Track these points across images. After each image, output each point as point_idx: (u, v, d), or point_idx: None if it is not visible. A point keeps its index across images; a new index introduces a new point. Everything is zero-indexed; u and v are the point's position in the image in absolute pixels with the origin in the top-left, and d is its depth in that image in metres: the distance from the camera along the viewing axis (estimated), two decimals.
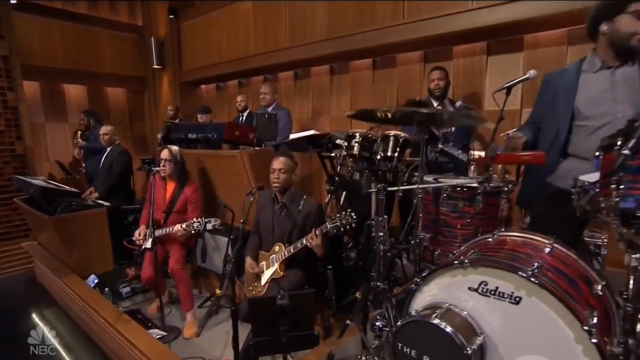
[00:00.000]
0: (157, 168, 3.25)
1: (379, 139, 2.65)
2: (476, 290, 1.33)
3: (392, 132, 2.59)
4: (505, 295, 1.27)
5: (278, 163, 2.46)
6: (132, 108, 7.47)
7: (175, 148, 3.34)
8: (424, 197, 2.04)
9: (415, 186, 1.87)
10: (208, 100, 7.02)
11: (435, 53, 4.09)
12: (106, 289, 3.35)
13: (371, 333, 1.77)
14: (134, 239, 3.29)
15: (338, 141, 3.05)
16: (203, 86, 7.27)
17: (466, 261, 1.34)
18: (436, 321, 1.30)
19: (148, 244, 3.09)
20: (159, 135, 5.16)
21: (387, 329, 1.69)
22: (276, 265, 2.43)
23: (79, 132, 5.69)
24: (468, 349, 1.25)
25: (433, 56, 4.11)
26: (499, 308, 1.29)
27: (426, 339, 1.31)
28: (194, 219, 2.90)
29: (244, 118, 4.92)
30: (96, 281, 3.41)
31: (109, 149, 4.60)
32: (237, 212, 3.31)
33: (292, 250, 2.35)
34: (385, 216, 1.97)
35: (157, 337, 2.71)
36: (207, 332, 3.03)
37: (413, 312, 1.42)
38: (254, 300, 1.86)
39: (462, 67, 3.84)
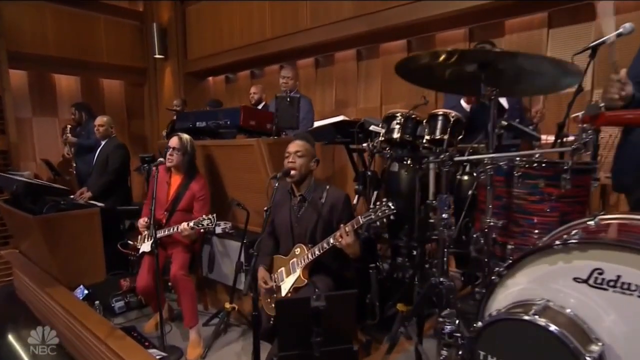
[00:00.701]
0: (161, 159, 3.17)
1: (424, 120, 2.51)
2: (586, 281, 1.13)
3: (441, 111, 2.44)
4: (633, 288, 1.06)
5: (294, 145, 2.37)
6: (131, 103, 7.45)
7: (186, 136, 3.26)
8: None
9: (487, 155, 1.69)
10: (216, 93, 6.99)
11: (484, 29, 3.92)
12: (96, 303, 3.27)
13: (429, 344, 1.58)
14: (138, 227, 3.19)
15: (372, 127, 2.91)
16: (210, 78, 7.27)
17: (572, 241, 1.14)
18: (541, 321, 1.09)
19: (146, 247, 3.05)
20: (164, 133, 5.09)
21: (459, 334, 1.50)
22: (298, 271, 2.29)
23: (69, 127, 5.69)
24: (587, 356, 1.03)
25: (481, 33, 3.95)
26: (622, 305, 1.08)
27: (520, 345, 1.12)
28: (204, 216, 2.81)
29: None
30: (85, 293, 3.36)
31: (103, 143, 4.54)
32: (252, 212, 3.22)
33: (317, 252, 2.22)
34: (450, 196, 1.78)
35: (158, 357, 2.57)
36: (215, 353, 2.93)
37: (493, 312, 1.22)
38: (283, 302, 1.69)
39: (516, 43, 3.67)
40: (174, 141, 3.22)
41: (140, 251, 3.12)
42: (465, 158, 1.82)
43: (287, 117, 3.24)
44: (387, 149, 2.76)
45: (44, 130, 6.51)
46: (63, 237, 3.34)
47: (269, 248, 2.58)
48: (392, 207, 2.02)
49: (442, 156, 1.80)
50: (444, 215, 1.76)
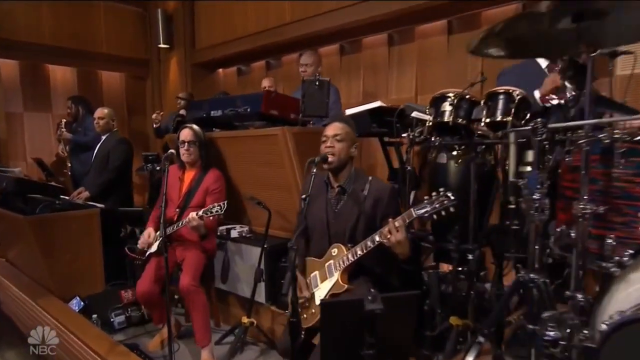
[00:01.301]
0: (172, 150, 3.03)
1: (481, 101, 2.37)
2: None
3: (502, 89, 2.30)
4: None
5: (333, 128, 2.30)
6: (132, 98, 7.42)
7: (197, 127, 3.26)
8: (577, 158, 1.70)
9: (586, 122, 1.54)
10: (227, 87, 6.92)
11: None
12: (93, 317, 3.30)
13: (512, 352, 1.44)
14: (138, 245, 3.16)
15: (415, 114, 2.78)
16: (220, 70, 7.21)
17: None
18: None
19: (153, 248, 3.05)
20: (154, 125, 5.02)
21: (564, 342, 1.34)
22: (336, 275, 2.18)
23: (64, 121, 5.66)
24: None
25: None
26: None
27: None
28: (215, 205, 2.79)
29: None
30: (81, 305, 3.34)
31: (104, 137, 4.50)
32: (273, 212, 3.15)
33: (359, 253, 2.11)
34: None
35: None
36: None
37: (615, 315, 1.06)
38: (330, 304, 1.54)
39: None
40: (186, 134, 3.21)
41: (148, 253, 3.10)
42: (563, 125, 1.66)
43: (316, 103, 3.14)
44: (433, 137, 2.61)
45: (36, 127, 6.50)
46: (58, 240, 3.34)
47: (300, 248, 2.45)
48: (452, 198, 1.90)
49: (533, 123, 1.65)
50: (535, 196, 1.61)
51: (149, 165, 5.37)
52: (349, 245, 2.22)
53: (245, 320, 3.11)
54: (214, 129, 3.74)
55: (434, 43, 4.59)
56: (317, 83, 3.14)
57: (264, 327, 3.18)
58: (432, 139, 2.65)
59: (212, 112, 3.54)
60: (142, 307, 3.59)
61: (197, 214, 2.84)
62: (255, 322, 3.11)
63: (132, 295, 3.64)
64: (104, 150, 4.40)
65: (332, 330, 1.50)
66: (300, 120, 3.24)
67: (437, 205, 1.93)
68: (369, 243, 2.08)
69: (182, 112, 5.66)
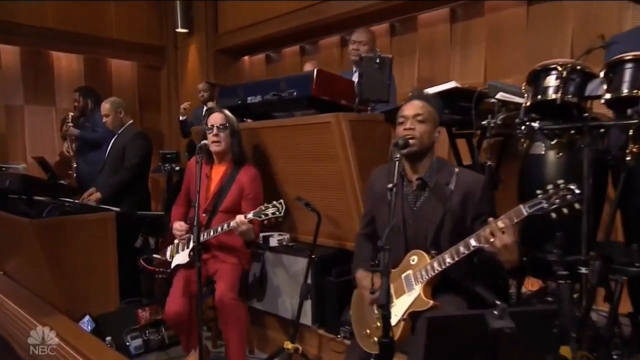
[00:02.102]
0: (205, 141, 3.06)
1: (601, 71, 2.17)
2: None
3: (630, 55, 2.10)
4: None
5: (412, 107, 2.20)
6: (145, 90, 7.41)
7: (229, 112, 3.18)
8: None
9: None
10: (254, 77, 6.88)
11: None
12: (107, 339, 3.27)
13: None
14: (176, 233, 3.11)
15: (501, 95, 2.64)
16: (246, 57, 7.18)
17: None
18: None
19: (182, 258, 3.02)
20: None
21: None
22: (418, 289, 2.08)
23: (71, 115, 5.66)
24: None
25: None
26: None
27: None
28: (269, 204, 2.74)
29: None
30: (92, 326, 3.33)
31: (119, 132, 4.45)
32: (323, 216, 3.05)
33: (448, 261, 2.02)
34: None
35: None
36: None
37: None
38: (440, 320, 1.37)
39: None
40: (216, 117, 3.13)
41: (174, 264, 3.08)
42: None
43: (375, 85, 3.03)
44: (526, 122, 2.42)
45: (38, 121, 6.51)
46: (67, 249, 3.33)
47: (366, 254, 2.42)
48: (578, 192, 1.77)
49: None
50: None
51: (166, 165, 5.19)
52: (433, 252, 2.12)
53: (288, 345, 2.99)
54: (246, 119, 3.72)
55: (508, 16, 4.45)
56: (377, 60, 3.03)
57: (310, 354, 3.10)
58: (524, 125, 2.44)
59: (248, 99, 3.43)
60: (162, 330, 3.55)
61: (245, 217, 2.78)
62: (300, 348, 3.01)
63: (150, 315, 3.60)
64: (119, 146, 4.34)
65: (439, 357, 1.31)
66: (356, 106, 3.12)
67: (556, 201, 1.78)
68: (461, 249, 1.97)
69: (210, 104, 5.65)
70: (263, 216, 2.72)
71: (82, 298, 3.37)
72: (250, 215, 2.75)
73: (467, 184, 2.15)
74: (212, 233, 2.92)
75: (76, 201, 3.89)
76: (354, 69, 4.07)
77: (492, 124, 2.66)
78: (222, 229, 2.88)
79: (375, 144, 3.05)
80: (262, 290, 3.45)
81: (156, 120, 7.46)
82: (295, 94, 3.12)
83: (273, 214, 2.71)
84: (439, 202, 2.15)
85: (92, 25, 6.63)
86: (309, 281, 3.03)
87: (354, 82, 3.27)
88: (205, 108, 5.81)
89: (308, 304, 3.09)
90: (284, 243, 3.41)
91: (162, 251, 3.27)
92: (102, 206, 3.82)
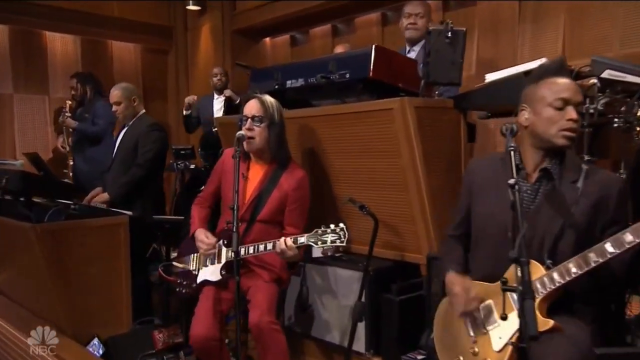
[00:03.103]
0: (241, 132, 2.98)
1: None
2: None
3: None
4: None
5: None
6: (150, 76, 7.43)
7: (270, 99, 3.08)
8: None
9: None
10: (276, 61, 6.82)
11: None
12: None
13: None
14: (201, 251, 3.08)
15: (608, 73, 2.51)
16: (268, 39, 7.18)
17: None
18: None
19: (208, 274, 3.01)
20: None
21: None
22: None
23: (69, 104, 5.68)
24: None
25: None
26: None
27: None
28: (327, 227, 2.67)
29: None
30: (102, 350, 3.30)
31: (130, 123, 4.41)
32: (381, 222, 2.98)
33: (573, 271, 1.92)
34: None
35: None
36: None
37: None
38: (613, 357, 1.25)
39: None
40: (252, 106, 3.04)
41: (200, 279, 3.04)
42: None
43: (446, 65, 2.96)
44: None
45: (28, 112, 6.53)
46: (73, 259, 3.29)
47: (459, 256, 2.38)
48: None
49: None
50: None
51: (179, 162, 5.34)
52: (548, 262, 2.03)
53: None
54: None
55: None
56: (449, 35, 2.94)
57: None
58: None
59: (287, 83, 3.38)
60: (182, 356, 3.49)
61: (293, 239, 2.73)
62: None
63: (167, 338, 3.54)
64: (131, 139, 4.29)
65: None
66: (421, 90, 3.04)
67: None
68: (592, 257, 1.87)
69: (228, 92, 5.71)
70: (320, 243, 2.66)
71: (90, 317, 3.33)
72: (302, 240, 2.70)
73: (600, 185, 2.06)
74: (250, 251, 2.86)
75: (82, 203, 3.88)
76: (407, 48, 4.02)
77: (591, 111, 2.53)
78: (263, 249, 2.83)
79: (444, 135, 3.02)
80: (303, 310, 3.42)
81: (163, 112, 7.45)
82: (348, 76, 3.06)
83: (333, 242, 2.64)
84: (562, 204, 2.07)
85: (91, 2, 6.65)
86: (363, 299, 2.98)
87: (416, 61, 3.21)
88: (216, 97, 5.90)
89: (361, 327, 3.04)
90: (329, 253, 3.20)
91: (181, 258, 3.24)
92: (113, 209, 3.79)
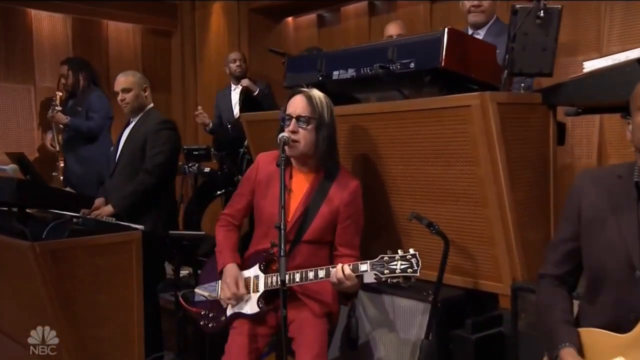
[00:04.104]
0: (284, 134, 2.92)
1: None
2: None
3: None
4: None
5: None
6: (151, 63, 7.46)
7: (319, 94, 3.03)
8: None
9: None
10: (300, 44, 6.77)
11: None
12: None
13: None
14: (223, 298, 3.01)
15: None
16: (290, 19, 7.15)
17: None
18: None
19: (242, 306, 2.97)
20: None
21: None
22: None
23: (59, 96, 5.66)
24: None
25: None
26: None
27: None
28: (395, 254, 2.61)
29: None
30: None
31: (136, 119, 4.38)
32: (452, 243, 2.93)
33: None
34: None
35: None
36: None
37: None
38: None
39: None
40: (298, 104, 2.98)
41: (231, 312, 3.00)
42: None
43: (535, 51, 2.88)
44: None
45: (11, 105, 6.50)
46: (78, 283, 3.25)
47: (565, 312, 2.21)
48: None
49: None
50: None
51: (192, 165, 5.30)
52: None
53: None
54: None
55: None
56: (540, 14, 2.85)
57: None
58: None
59: (334, 74, 3.33)
60: None
61: (352, 269, 2.67)
62: None
63: None
64: (138, 139, 4.29)
65: None
66: (503, 83, 2.96)
67: None
68: None
69: (245, 82, 5.75)
70: (386, 273, 2.60)
71: (97, 353, 3.30)
72: (365, 269, 2.63)
73: None
74: (296, 279, 2.82)
75: (87, 216, 3.89)
76: (470, 32, 4.01)
77: None
78: (313, 277, 2.79)
79: (531, 138, 2.94)
80: (351, 346, 3.32)
81: (166, 104, 7.42)
82: (413, 65, 2.99)
83: (404, 271, 2.58)
84: None
85: None
86: (430, 337, 2.89)
87: (495, 47, 3.15)
88: (234, 87, 5.96)
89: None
90: (383, 278, 3.21)
91: (205, 285, 3.21)
92: (123, 223, 3.75)
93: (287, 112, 2.96)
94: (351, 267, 2.67)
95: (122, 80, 4.35)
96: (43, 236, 3.29)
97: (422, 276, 3.04)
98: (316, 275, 2.76)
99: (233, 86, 6.01)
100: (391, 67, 3.04)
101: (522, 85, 3.18)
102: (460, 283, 3.09)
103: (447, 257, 2.88)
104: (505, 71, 2.96)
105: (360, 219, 3.05)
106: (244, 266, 3.03)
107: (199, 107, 5.98)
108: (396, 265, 2.58)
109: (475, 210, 2.96)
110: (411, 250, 2.59)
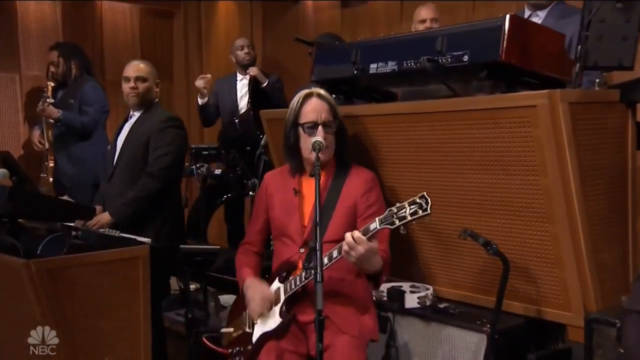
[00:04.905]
0: (319, 138, 3.02)
1: None
2: None
3: None
4: None
5: None
6: (150, 49, 7.51)
7: (328, 94, 3.22)
8: None
9: None
10: (320, 29, 6.65)
11: None
12: None
13: None
14: (253, 315, 3.09)
15: None
16: (310, 1, 7.13)
17: None
18: None
19: (267, 324, 3.01)
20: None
21: None
22: None
23: (51, 86, 5.65)
24: None
25: None
26: None
27: None
28: (401, 203, 2.65)
29: None
30: None
31: (139, 115, 4.36)
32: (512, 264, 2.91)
33: None
34: None
35: None
36: None
37: None
38: None
39: None
40: (320, 109, 3.11)
41: (257, 335, 3.04)
42: None
43: (613, 41, 2.82)
44: None
45: None
46: (78, 306, 3.23)
47: None
48: None
49: None
50: None
51: (200, 166, 5.30)
52: None
53: None
54: (355, 101, 3.79)
55: None
56: None
57: None
58: None
59: (372, 67, 3.33)
60: None
61: (361, 231, 2.71)
62: None
63: None
64: (140, 138, 4.30)
65: None
66: (575, 77, 2.91)
67: None
68: None
69: (254, 70, 5.81)
70: (397, 221, 2.61)
71: None
72: (375, 226, 2.65)
73: None
74: (326, 262, 2.82)
75: (88, 228, 3.85)
76: (527, 13, 4.03)
77: None
78: (327, 261, 2.82)
79: (606, 142, 2.91)
80: None
81: (167, 95, 7.44)
82: (466, 58, 2.95)
83: (414, 214, 2.58)
84: None
85: None
86: None
87: (564, 36, 3.11)
88: (240, 77, 6.01)
89: None
90: (428, 303, 3.28)
91: (235, 321, 3.28)
92: (128, 235, 3.71)
93: (310, 119, 3.06)
94: (361, 230, 2.69)
95: (138, 67, 4.35)
96: (38, 252, 3.30)
97: (476, 301, 3.15)
98: (330, 258, 2.80)
99: (239, 76, 6.01)
100: (441, 60, 3.01)
101: (597, 80, 3.12)
102: (521, 310, 3.04)
103: (506, 281, 2.86)
104: (577, 64, 2.90)
105: (382, 209, 3.01)
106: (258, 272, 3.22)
107: (209, 75, 5.95)
108: (405, 211, 2.59)
109: (539, 227, 2.91)
110: (422, 194, 2.60)
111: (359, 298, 3.02)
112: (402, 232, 2.70)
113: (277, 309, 2.99)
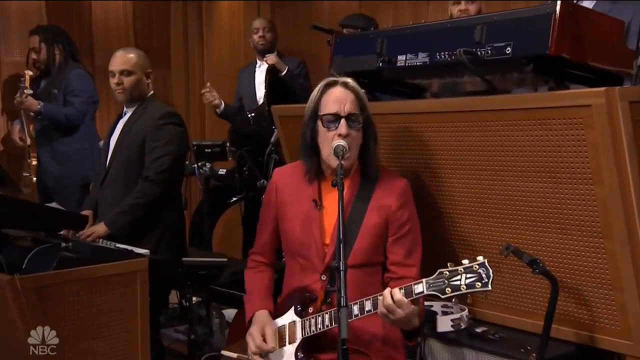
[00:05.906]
0: (341, 142, 2.90)
1: None
2: None
3: None
4: None
5: None
6: (145, 32, 7.60)
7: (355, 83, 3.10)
8: None
9: None
10: (335, 16, 6.66)
11: None
12: None
13: None
14: (233, 356, 3.10)
15: None
16: None
17: None
18: None
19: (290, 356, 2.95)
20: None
21: None
22: None
23: (28, 75, 5.68)
24: None
25: None
26: None
27: None
28: (456, 266, 2.53)
29: None
30: None
31: (132, 110, 4.38)
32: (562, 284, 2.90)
33: None
34: None
35: None
36: None
37: None
38: None
39: None
40: (344, 99, 2.97)
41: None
42: None
43: None
44: None
45: None
46: (69, 329, 3.29)
47: None
48: None
49: None
50: None
51: (203, 165, 5.31)
52: None
53: None
54: (379, 96, 3.80)
55: None
56: None
57: None
58: None
59: (399, 59, 3.29)
60: None
61: (401, 290, 2.57)
62: None
63: None
64: (135, 137, 4.34)
65: None
66: (636, 73, 2.96)
67: None
68: None
69: (272, 58, 5.76)
70: (449, 291, 2.49)
71: None
72: (421, 289, 2.53)
73: None
74: (321, 321, 2.80)
75: (78, 238, 3.88)
76: None
77: None
78: (358, 313, 2.73)
79: None
80: None
81: (164, 83, 7.51)
82: (509, 51, 2.91)
83: (471, 286, 2.46)
84: None
85: None
86: None
87: (623, 23, 3.07)
88: (259, 64, 6.01)
89: None
90: (464, 326, 3.24)
91: (236, 344, 3.22)
92: (123, 246, 3.74)
93: (331, 110, 2.94)
94: (403, 290, 2.56)
95: (123, 59, 4.32)
96: (24, 266, 3.32)
97: (519, 325, 3.12)
98: (362, 309, 2.69)
99: (258, 62, 6.03)
100: (480, 53, 2.98)
101: None
102: (572, 337, 3.01)
103: (555, 304, 2.82)
104: (639, 56, 2.94)
105: (416, 228, 3.02)
106: (278, 312, 3.04)
107: (208, 84, 6.00)
108: (460, 279, 2.47)
109: (593, 243, 2.87)
110: (479, 258, 2.47)
111: (390, 335, 2.95)
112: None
113: (291, 349, 2.94)
